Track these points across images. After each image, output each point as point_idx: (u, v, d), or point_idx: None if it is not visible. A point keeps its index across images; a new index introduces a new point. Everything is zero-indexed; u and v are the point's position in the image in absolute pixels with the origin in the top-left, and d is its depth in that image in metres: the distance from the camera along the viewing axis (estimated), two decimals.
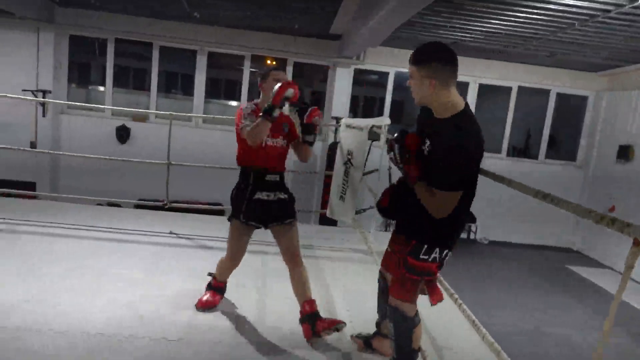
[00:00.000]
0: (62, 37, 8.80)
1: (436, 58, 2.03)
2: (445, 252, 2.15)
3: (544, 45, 7.67)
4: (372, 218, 4.68)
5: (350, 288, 3.67)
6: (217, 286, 3.12)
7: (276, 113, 2.59)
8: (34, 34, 8.56)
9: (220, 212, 7.58)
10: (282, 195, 2.88)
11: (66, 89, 9.08)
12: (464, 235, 9.77)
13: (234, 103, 10.36)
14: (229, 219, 2.91)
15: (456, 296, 2.56)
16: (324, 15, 7.38)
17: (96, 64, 9.73)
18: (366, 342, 2.71)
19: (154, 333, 2.67)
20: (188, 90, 10.02)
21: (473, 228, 9.73)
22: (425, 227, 2.11)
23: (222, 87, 11.17)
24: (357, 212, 4.12)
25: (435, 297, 2.22)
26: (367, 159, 4.03)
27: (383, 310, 2.57)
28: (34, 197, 7.43)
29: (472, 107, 8.60)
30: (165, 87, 9.79)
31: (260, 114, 2.60)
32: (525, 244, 9.83)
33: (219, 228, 4.79)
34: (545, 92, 9.74)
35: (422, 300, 2.25)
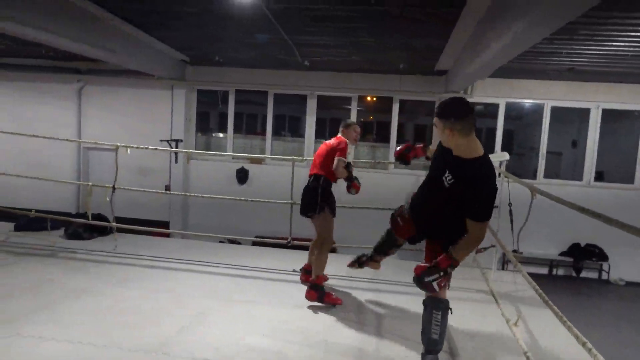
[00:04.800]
0: (192, 91, 9.96)
1: (453, 114, 2.45)
2: None
3: None
4: (492, 257, 4.53)
5: (474, 330, 3.58)
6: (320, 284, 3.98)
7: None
8: (169, 91, 9.82)
9: (333, 250, 7.80)
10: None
11: (194, 137, 10.17)
12: (594, 276, 8.89)
13: None
14: (318, 213, 3.99)
15: (590, 346, 2.38)
16: (429, 54, 7.49)
17: (216, 112, 10.79)
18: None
19: None
20: (296, 132, 10.62)
21: (605, 267, 8.81)
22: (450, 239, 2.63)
23: (327, 127, 11.67)
24: (476, 252, 4.03)
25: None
26: None
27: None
28: (168, 235, 8.34)
29: (596, 134, 8.08)
30: (275, 130, 10.46)
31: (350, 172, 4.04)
32: None
33: (336, 265, 4.99)
34: None
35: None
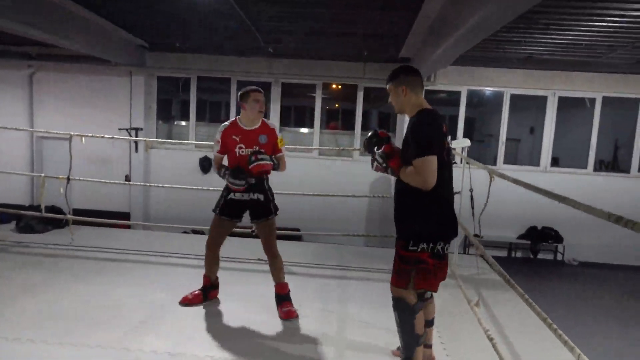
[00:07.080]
0: (151, 78, 9.63)
1: (402, 71, 2.63)
2: (434, 245, 2.44)
3: (630, 53, 7.25)
4: (454, 241, 4.62)
5: (438, 312, 3.64)
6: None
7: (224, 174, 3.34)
8: (127, 78, 9.46)
9: (298, 238, 7.81)
10: (257, 196, 3.39)
11: (155, 126, 9.87)
12: (549, 257, 9.25)
13: (305, 130, 10.69)
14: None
15: (550, 322, 2.46)
16: (393, 41, 7.51)
17: (178, 100, 10.50)
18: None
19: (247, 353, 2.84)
20: None
21: (560, 249, 9.18)
22: (408, 226, 2.50)
23: (292, 115, 11.58)
24: None
25: (421, 285, 2.49)
26: None
27: None
28: (128, 227, 8.10)
29: (552, 121, 8.27)
30: None
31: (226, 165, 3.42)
32: (623, 264, 9.09)
33: (302, 253, 4.99)
34: (634, 102, 9.11)
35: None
